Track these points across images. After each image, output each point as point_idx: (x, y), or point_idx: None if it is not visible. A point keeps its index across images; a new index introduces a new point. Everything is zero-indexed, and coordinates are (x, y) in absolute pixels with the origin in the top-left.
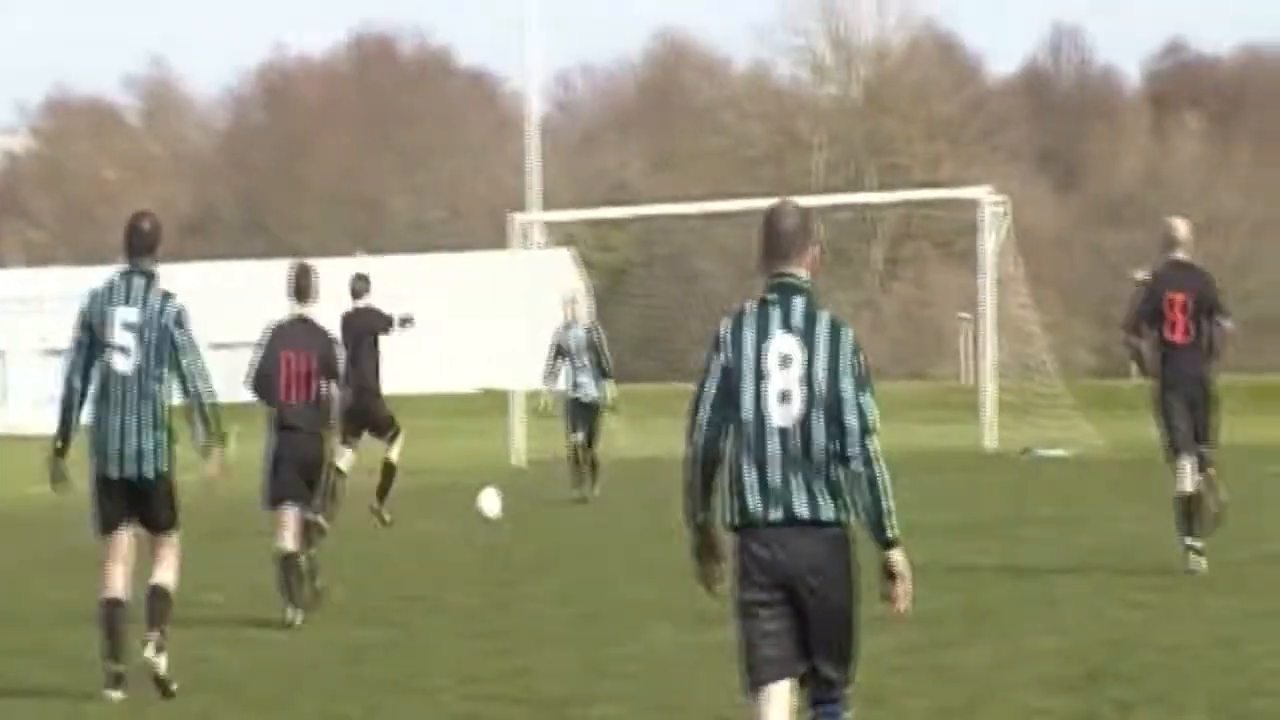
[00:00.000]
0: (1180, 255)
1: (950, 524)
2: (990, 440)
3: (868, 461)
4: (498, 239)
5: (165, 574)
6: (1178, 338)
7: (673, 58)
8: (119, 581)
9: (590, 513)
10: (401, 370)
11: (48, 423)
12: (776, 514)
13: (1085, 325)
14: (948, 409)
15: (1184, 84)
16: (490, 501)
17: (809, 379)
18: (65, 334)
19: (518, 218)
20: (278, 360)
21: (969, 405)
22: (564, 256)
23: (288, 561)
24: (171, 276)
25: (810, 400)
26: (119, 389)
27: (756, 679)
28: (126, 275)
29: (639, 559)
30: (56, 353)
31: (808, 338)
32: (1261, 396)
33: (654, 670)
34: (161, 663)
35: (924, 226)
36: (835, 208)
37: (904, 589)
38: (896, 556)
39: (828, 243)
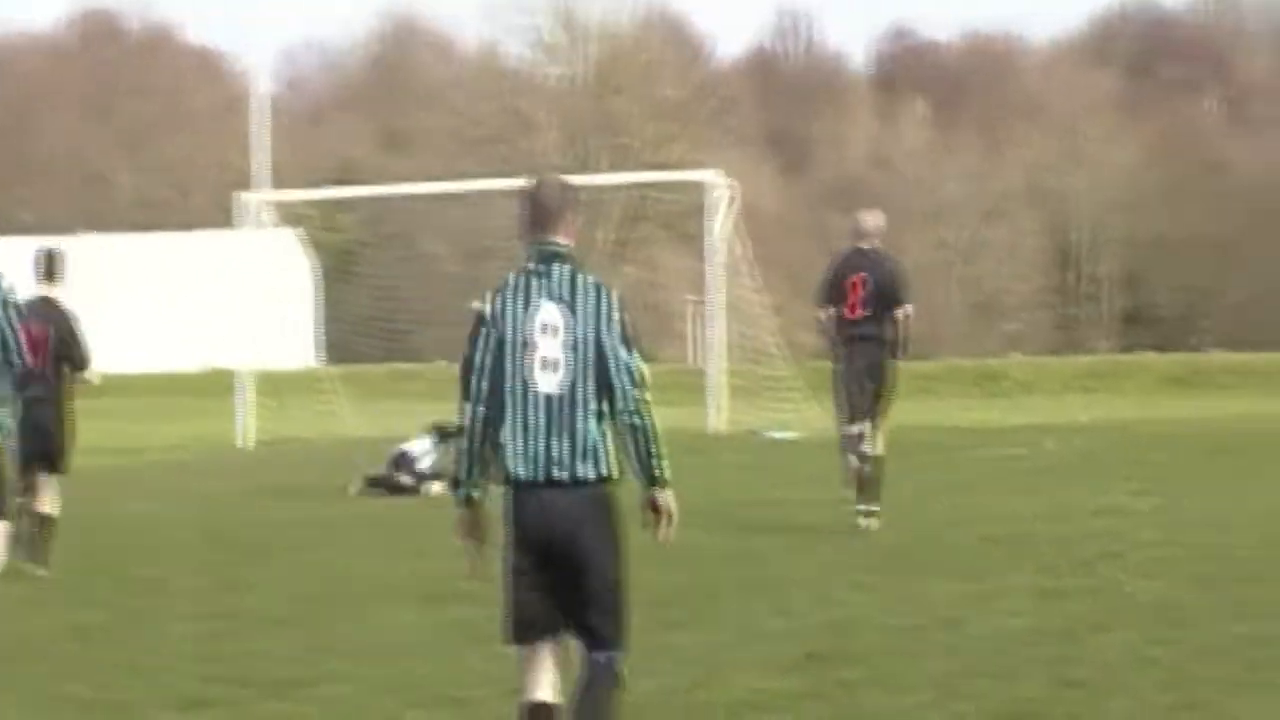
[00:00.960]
0: (864, 245)
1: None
2: (718, 422)
3: (639, 414)
4: (225, 218)
5: None
6: (856, 315)
7: (401, 36)
8: None
9: (315, 494)
10: (126, 349)
11: None
12: (539, 477)
13: (813, 309)
14: (676, 391)
15: (910, 69)
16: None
17: (574, 345)
18: None
19: (245, 197)
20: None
21: (696, 387)
22: (291, 236)
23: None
24: None
25: (576, 366)
26: None
27: (519, 638)
28: None
29: (365, 541)
30: None
31: (572, 305)
32: (983, 380)
33: (382, 650)
34: None
35: (653, 208)
36: None
37: (666, 524)
38: (664, 495)
39: None
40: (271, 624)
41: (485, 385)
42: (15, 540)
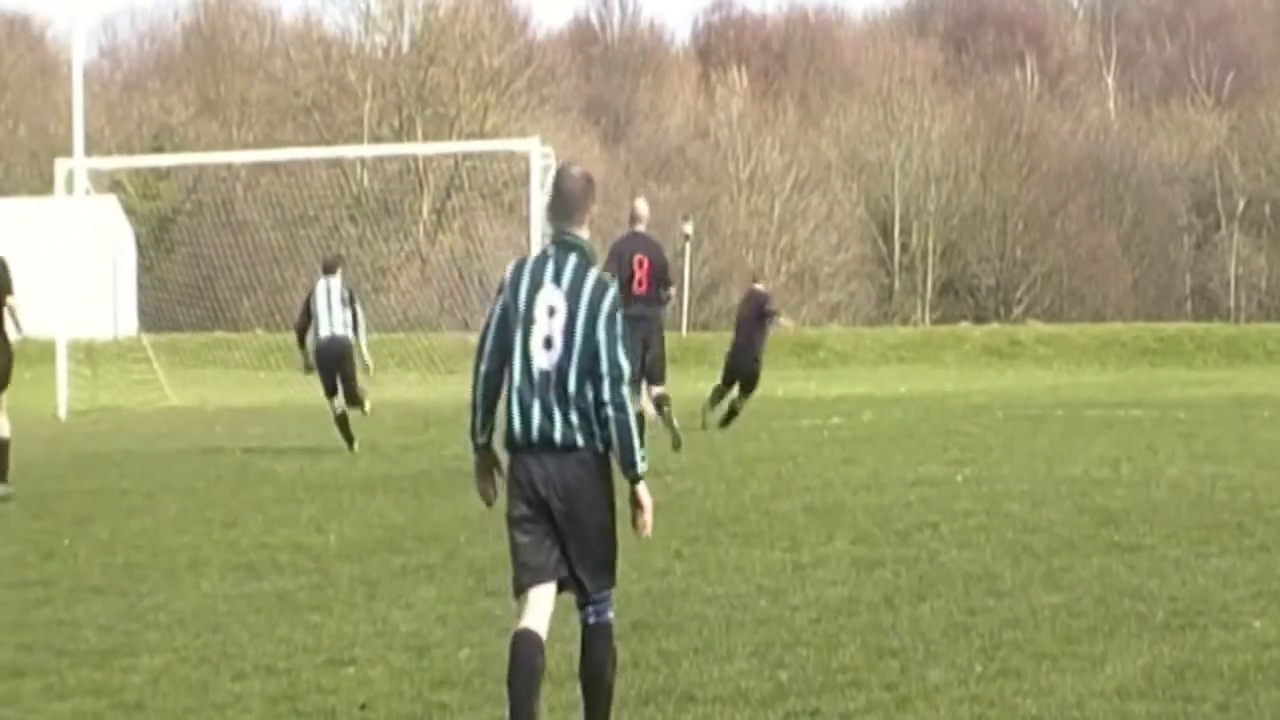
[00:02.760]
0: (640, 228)
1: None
2: None
3: (619, 409)
4: (40, 185)
5: None
6: (642, 291)
7: (219, 3)
8: None
9: (133, 463)
10: None
11: None
12: (535, 439)
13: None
14: (460, 359)
15: (731, 40)
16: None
17: (569, 330)
18: None
19: (63, 163)
20: None
21: None
22: (111, 203)
23: None
24: None
25: (568, 348)
26: None
27: (518, 584)
28: None
29: (184, 510)
30: None
31: (573, 293)
32: (801, 350)
33: (200, 621)
34: None
35: (472, 178)
36: (385, 158)
37: (646, 516)
38: (640, 489)
39: (374, 194)
40: (88, 593)
41: (492, 345)
42: None
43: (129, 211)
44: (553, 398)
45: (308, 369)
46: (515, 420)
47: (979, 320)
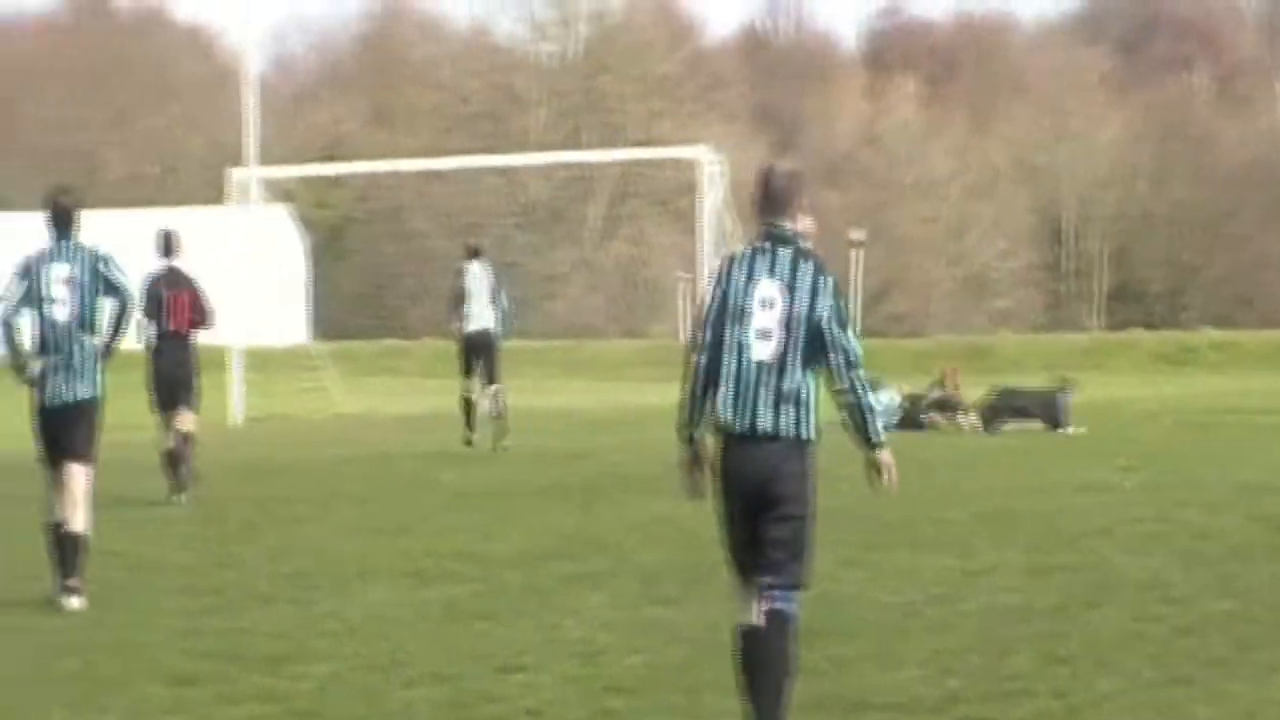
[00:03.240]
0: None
1: (669, 482)
2: None
3: (854, 391)
4: (213, 195)
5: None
6: None
7: (390, 13)
8: None
9: (304, 471)
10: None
11: None
12: (748, 430)
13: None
14: (666, 367)
15: (900, 47)
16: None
17: (787, 321)
18: None
19: (236, 173)
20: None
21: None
22: (282, 213)
23: (173, 456)
24: None
25: (786, 340)
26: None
27: (734, 570)
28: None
29: (353, 518)
30: None
31: (790, 285)
32: (972, 356)
33: (369, 628)
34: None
35: (641, 185)
36: (553, 166)
37: (890, 475)
38: (883, 454)
39: (543, 202)
40: (259, 600)
41: (707, 338)
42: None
43: (300, 221)
44: (766, 388)
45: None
46: (729, 411)
47: (1149, 326)
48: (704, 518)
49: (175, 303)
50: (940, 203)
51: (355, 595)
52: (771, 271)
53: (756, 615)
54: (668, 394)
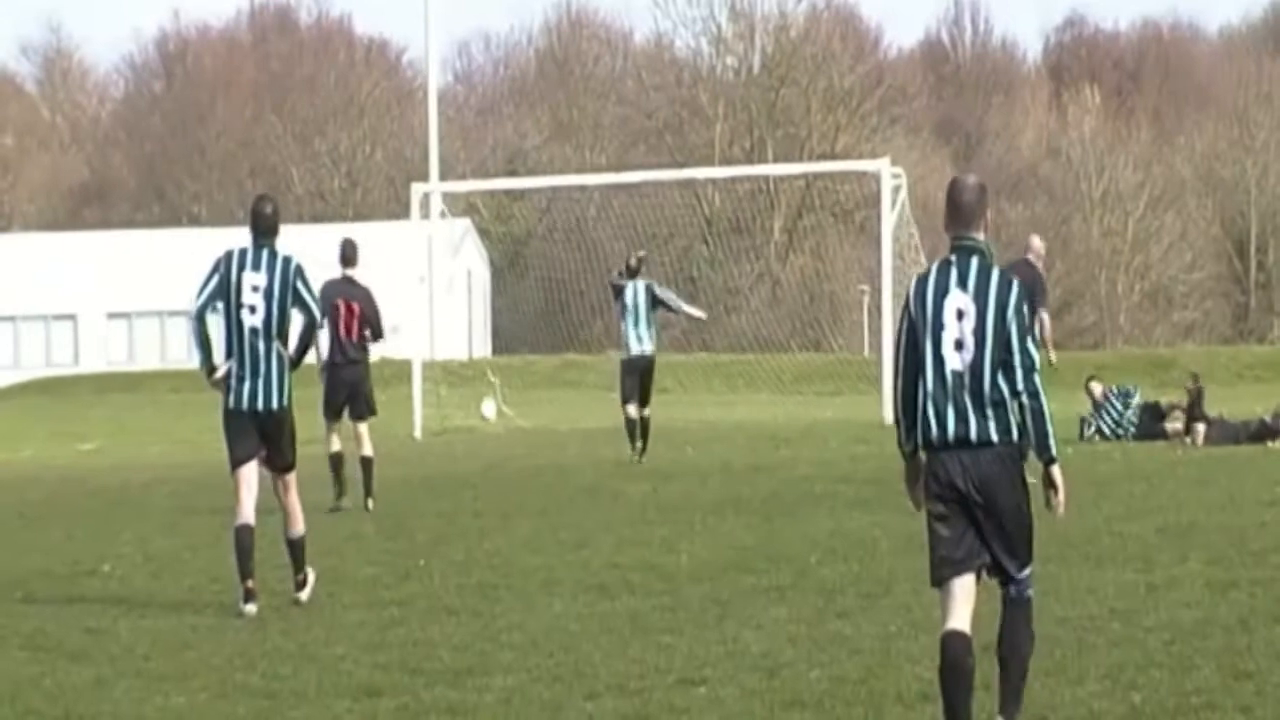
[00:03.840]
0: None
1: (849, 496)
2: (890, 412)
3: (1032, 396)
4: (396, 209)
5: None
6: None
7: (572, 28)
8: None
9: (487, 484)
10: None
11: None
12: (951, 438)
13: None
14: (847, 381)
15: (1083, 58)
16: (488, 408)
17: (980, 330)
18: None
19: (419, 188)
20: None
21: (869, 377)
22: (464, 227)
23: (337, 458)
24: (67, 245)
25: (980, 347)
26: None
27: (938, 576)
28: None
29: (536, 531)
30: None
31: (980, 295)
32: (1154, 368)
33: (553, 640)
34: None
35: (823, 198)
36: (735, 180)
37: (1061, 496)
38: (1054, 471)
39: (726, 215)
40: (443, 613)
41: (905, 359)
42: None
43: (483, 235)
44: (966, 397)
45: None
46: (931, 422)
47: None
48: (884, 531)
49: (347, 311)
50: (1124, 215)
51: (538, 607)
52: (963, 283)
53: (962, 620)
54: (849, 408)
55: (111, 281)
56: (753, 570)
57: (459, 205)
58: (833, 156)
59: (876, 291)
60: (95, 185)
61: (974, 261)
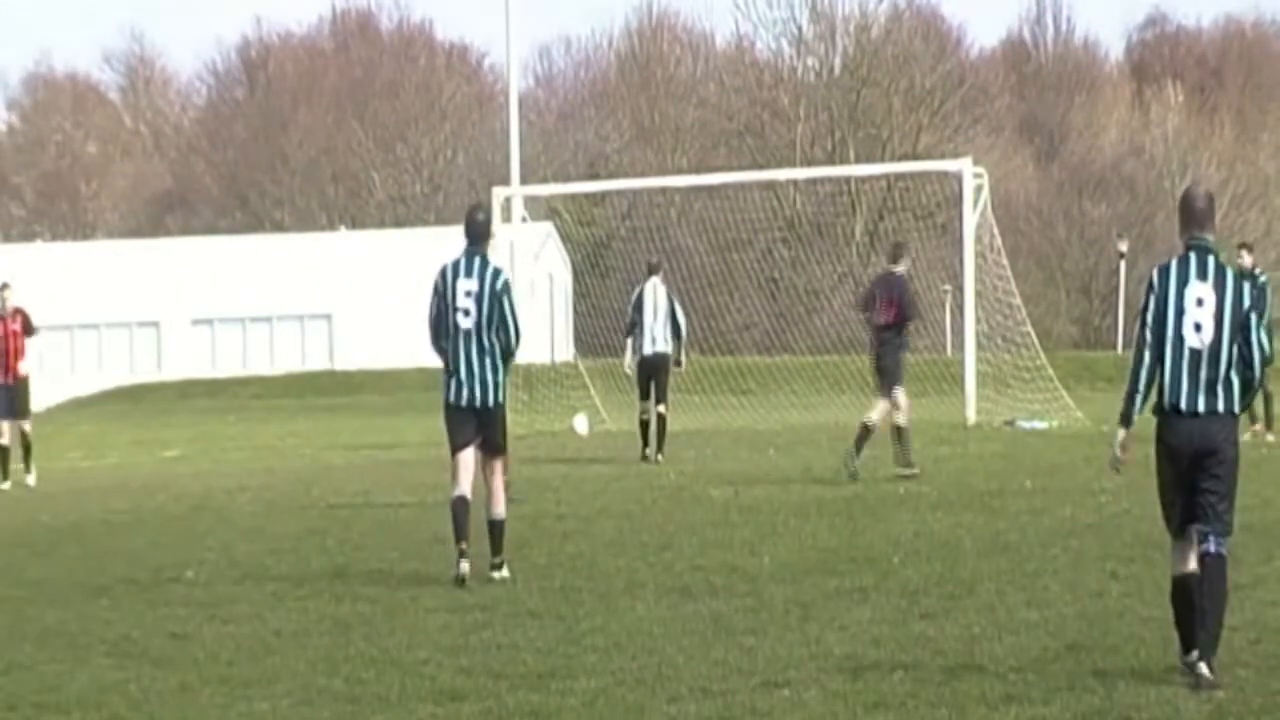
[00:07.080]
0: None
1: (931, 496)
2: (972, 412)
3: (1260, 382)
4: None
5: None
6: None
7: (653, 31)
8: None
9: (569, 488)
10: (381, 345)
11: None
12: (1184, 408)
13: (1065, 297)
14: (930, 381)
15: (1165, 55)
16: (581, 423)
17: (1218, 316)
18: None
19: (500, 191)
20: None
21: (951, 377)
22: (546, 230)
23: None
24: (150, 252)
25: (1217, 331)
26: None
27: (1171, 525)
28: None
29: (619, 534)
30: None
31: (1218, 286)
32: None
33: (635, 643)
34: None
35: (905, 199)
36: (817, 181)
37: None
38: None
39: (807, 216)
40: (526, 616)
41: (1150, 336)
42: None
43: (565, 238)
44: (1202, 373)
45: (630, 371)
46: (1168, 393)
47: None
48: (967, 531)
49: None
50: None
51: (622, 610)
52: (1203, 275)
53: (1191, 563)
54: (932, 409)
55: (194, 288)
56: (835, 572)
57: (540, 209)
58: (914, 157)
59: (958, 291)
60: (178, 192)
61: (1210, 258)
